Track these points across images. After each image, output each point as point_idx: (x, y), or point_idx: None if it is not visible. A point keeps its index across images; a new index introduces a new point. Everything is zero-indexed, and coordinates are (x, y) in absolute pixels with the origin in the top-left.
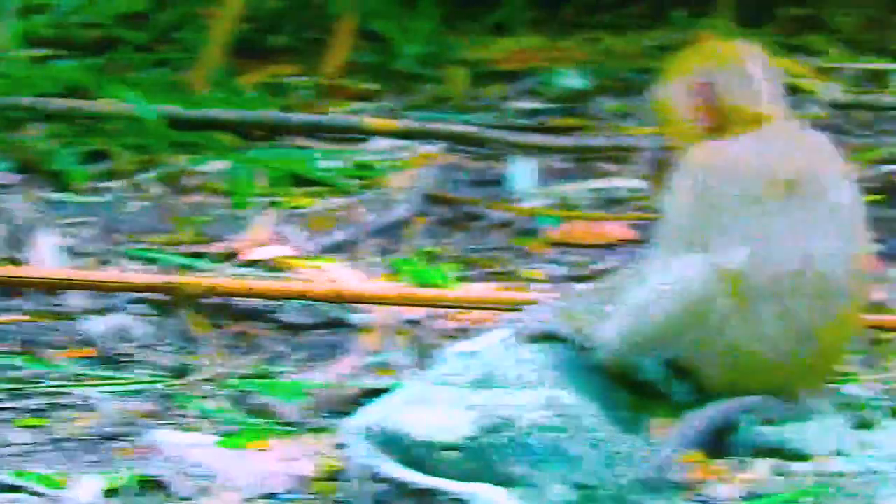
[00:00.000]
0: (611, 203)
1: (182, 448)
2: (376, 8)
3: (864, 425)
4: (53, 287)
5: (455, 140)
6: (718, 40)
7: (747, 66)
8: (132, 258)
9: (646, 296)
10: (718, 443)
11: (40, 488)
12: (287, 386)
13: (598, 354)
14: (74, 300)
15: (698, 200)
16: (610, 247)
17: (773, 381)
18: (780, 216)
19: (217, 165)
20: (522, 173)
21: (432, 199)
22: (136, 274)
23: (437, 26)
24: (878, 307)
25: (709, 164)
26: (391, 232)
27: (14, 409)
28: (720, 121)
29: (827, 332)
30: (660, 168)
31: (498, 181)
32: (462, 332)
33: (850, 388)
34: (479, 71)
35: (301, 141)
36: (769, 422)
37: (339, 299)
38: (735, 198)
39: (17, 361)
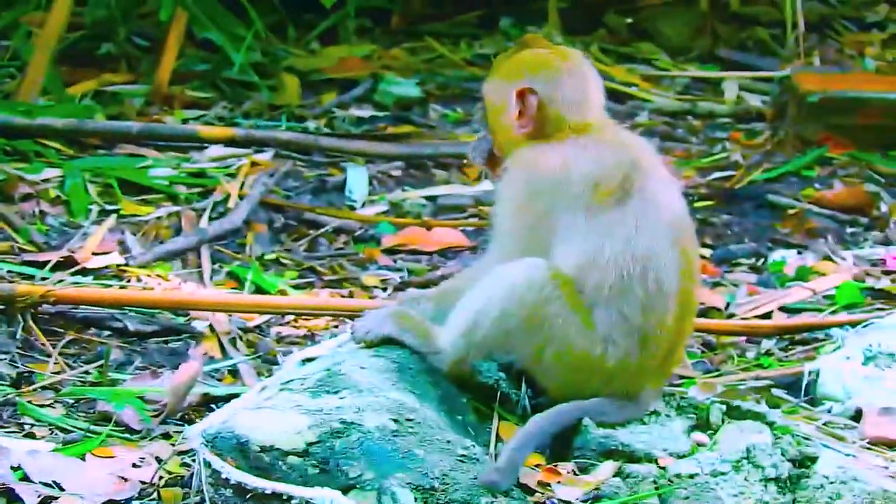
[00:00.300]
0: (446, 209)
1: (25, 456)
2: (206, 15)
3: (704, 427)
4: None
5: (290, 148)
6: (544, 43)
7: (571, 71)
8: None
9: (481, 301)
10: (562, 445)
11: None
12: (129, 393)
13: (437, 359)
14: None
15: (526, 205)
16: (445, 252)
17: (613, 383)
18: (611, 220)
19: (51, 174)
20: (358, 181)
21: (269, 207)
22: None
23: (267, 34)
24: (714, 312)
25: (535, 168)
26: (229, 239)
27: None
28: (543, 125)
29: (664, 334)
30: (492, 160)
31: (336, 189)
32: (303, 339)
33: (690, 391)
34: (311, 79)
35: (134, 149)
36: (610, 424)
37: (179, 306)
38: (564, 202)
39: None
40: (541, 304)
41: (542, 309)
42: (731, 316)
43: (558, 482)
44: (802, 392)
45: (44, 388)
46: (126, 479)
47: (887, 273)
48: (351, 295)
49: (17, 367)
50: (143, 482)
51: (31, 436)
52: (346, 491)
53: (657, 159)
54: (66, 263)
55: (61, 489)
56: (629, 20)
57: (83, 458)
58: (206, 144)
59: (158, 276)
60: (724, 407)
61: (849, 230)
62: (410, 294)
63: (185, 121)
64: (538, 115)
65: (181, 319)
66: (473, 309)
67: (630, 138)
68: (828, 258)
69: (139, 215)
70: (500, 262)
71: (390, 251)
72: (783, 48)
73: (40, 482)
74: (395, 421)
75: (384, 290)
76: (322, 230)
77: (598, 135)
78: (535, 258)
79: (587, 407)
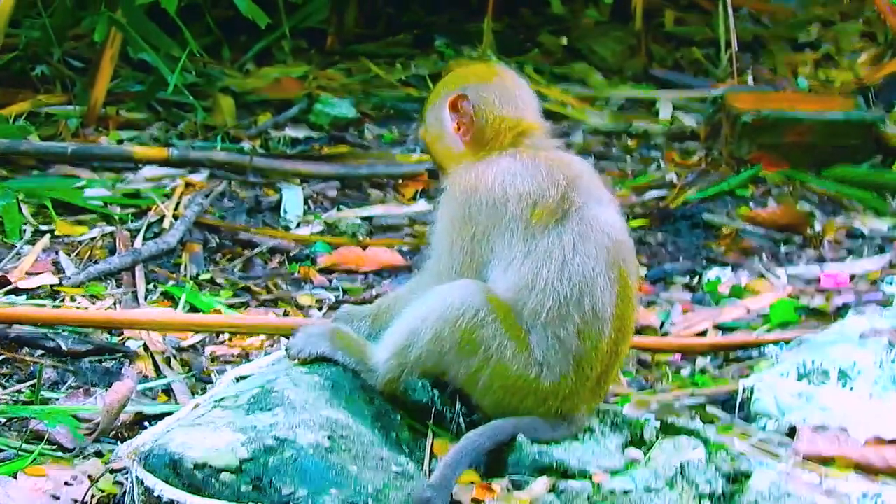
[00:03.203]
0: (381, 229)
1: None
2: (141, 37)
3: (638, 444)
4: None
5: (225, 168)
6: (479, 62)
7: (500, 75)
8: None
9: (415, 321)
10: (496, 462)
11: None
12: (62, 412)
13: (371, 377)
14: None
15: (463, 227)
16: (381, 272)
17: (547, 404)
18: (549, 243)
19: None
20: (293, 201)
21: (204, 227)
22: None
23: (202, 55)
24: (649, 330)
25: (473, 189)
26: (164, 259)
27: None
28: (483, 130)
29: (598, 358)
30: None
31: (271, 209)
32: (238, 358)
33: (624, 409)
34: (246, 100)
35: (68, 170)
36: (543, 441)
37: (113, 325)
38: (502, 224)
39: None
40: (476, 327)
41: (476, 332)
42: (665, 334)
43: (492, 499)
44: (737, 409)
45: None
46: (58, 498)
47: (821, 291)
48: (286, 314)
49: None
50: (75, 500)
51: None
52: None
53: (596, 179)
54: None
55: None
56: (563, 41)
57: (15, 477)
58: (140, 165)
59: (92, 296)
60: (658, 423)
61: (783, 248)
62: (345, 311)
63: (119, 142)
64: (475, 119)
65: (115, 339)
66: (408, 329)
67: (568, 157)
68: (762, 276)
69: (73, 236)
70: (436, 282)
71: (326, 271)
72: (717, 68)
73: None
74: (329, 438)
75: (319, 309)
76: (257, 250)
77: (536, 151)
78: (471, 281)
79: (521, 424)
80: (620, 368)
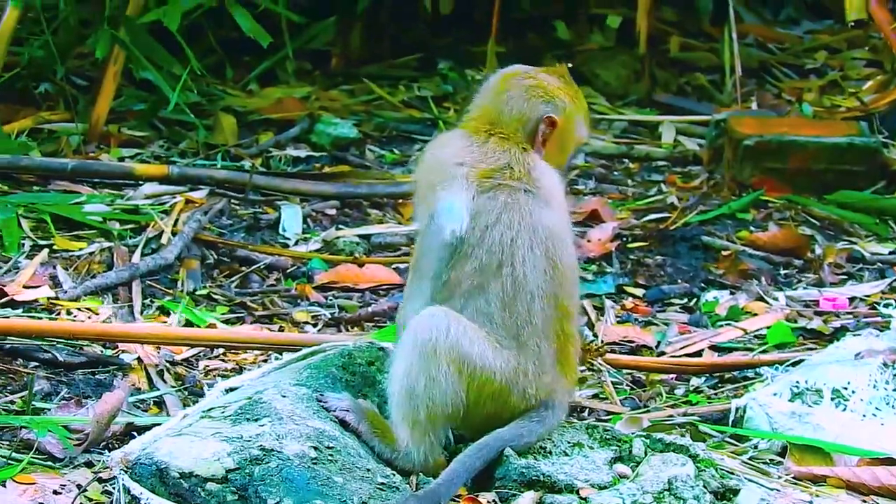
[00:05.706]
0: (379, 248)
1: None
2: (144, 55)
3: (626, 459)
4: None
5: (225, 186)
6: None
7: (502, 79)
8: None
9: (403, 380)
10: (483, 475)
11: None
12: (52, 422)
13: (407, 460)
14: None
15: (419, 182)
16: (377, 290)
17: (527, 393)
18: (478, 206)
19: None
20: (292, 219)
21: (202, 244)
22: None
23: (205, 75)
24: (645, 350)
25: (425, 151)
26: (161, 275)
27: None
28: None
29: (536, 330)
30: None
31: (270, 227)
32: (231, 372)
33: (615, 425)
34: (249, 119)
35: (68, 186)
36: (532, 451)
37: (108, 338)
38: (446, 175)
39: None
40: (455, 343)
41: (457, 347)
42: (661, 354)
43: None
44: (729, 427)
45: None
46: None
47: (819, 314)
48: (281, 330)
49: None
50: None
51: None
52: None
53: (556, 189)
54: None
55: None
56: (568, 64)
57: (3, 485)
58: (141, 182)
59: (89, 309)
60: (647, 439)
61: (782, 272)
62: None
63: (121, 159)
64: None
65: (109, 352)
66: (401, 391)
67: (533, 159)
68: (760, 299)
69: (71, 250)
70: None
71: (322, 288)
72: (721, 94)
73: None
74: (315, 449)
75: (315, 325)
76: (254, 267)
77: (491, 137)
78: (427, 310)
79: (510, 435)
80: (574, 352)
